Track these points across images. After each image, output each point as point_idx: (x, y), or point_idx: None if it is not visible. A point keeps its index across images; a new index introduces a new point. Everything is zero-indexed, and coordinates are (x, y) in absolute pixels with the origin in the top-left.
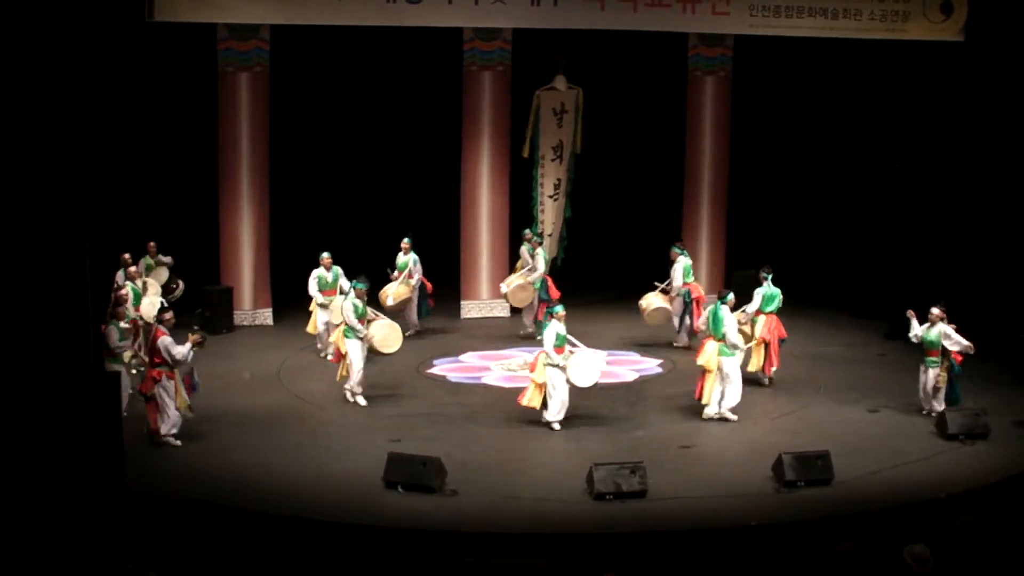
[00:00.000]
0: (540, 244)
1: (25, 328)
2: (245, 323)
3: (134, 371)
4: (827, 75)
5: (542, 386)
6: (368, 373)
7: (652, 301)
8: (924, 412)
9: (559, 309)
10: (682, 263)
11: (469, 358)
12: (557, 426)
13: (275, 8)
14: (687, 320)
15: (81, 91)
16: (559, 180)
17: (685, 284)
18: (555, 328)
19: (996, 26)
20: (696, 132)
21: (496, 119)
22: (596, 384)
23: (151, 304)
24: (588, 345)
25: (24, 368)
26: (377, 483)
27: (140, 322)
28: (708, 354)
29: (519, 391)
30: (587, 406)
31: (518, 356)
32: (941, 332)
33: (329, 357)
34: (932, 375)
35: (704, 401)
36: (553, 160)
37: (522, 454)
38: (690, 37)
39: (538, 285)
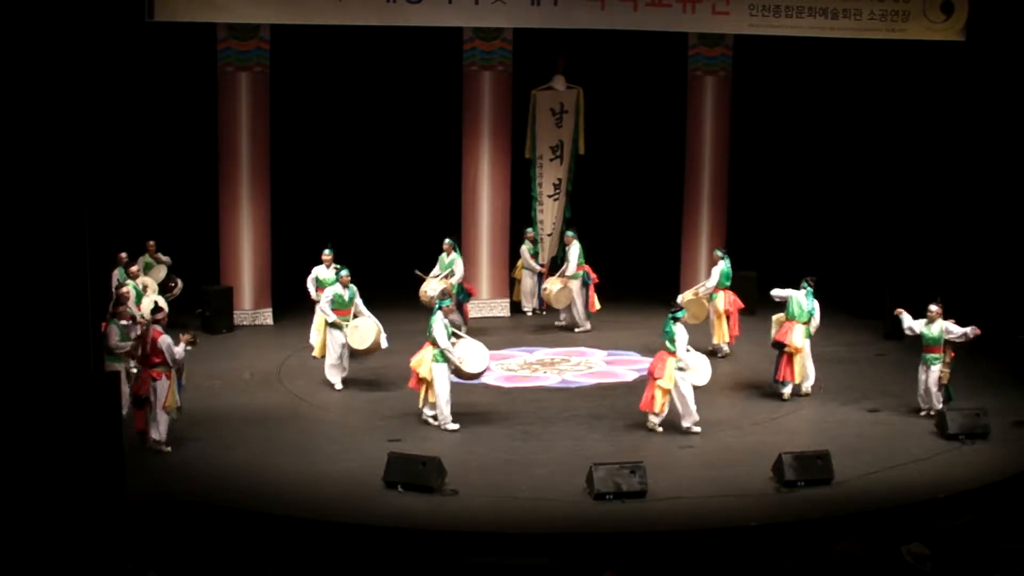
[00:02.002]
0: (454, 248)
1: (24, 328)
2: (245, 323)
3: (134, 369)
4: (827, 75)
5: (668, 391)
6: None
7: (554, 284)
8: (923, 412)
9: (683, 313)
10: (576, 247)
11: None
12: (697, 428)
13: (275, 8)
14: (584, 302)
15: (81, 91)
16: (559, 180)
17: (580, 267)
18: (683, 330)
19: (996, 26)
20: (696, 132)
21: (496, 119)
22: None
23: (150, 304)
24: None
25: (24, 368)
26: (377, 483)
27: (142, 320)
28: (798, 336)
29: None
30: (587, 406)
31: (518, 356)
32: (943, 329)
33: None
34: (935, 372)
35: (797, 380)
36: (552, 160)
37: (522, 454)
38: (690, 37)
39: (456, 288)
